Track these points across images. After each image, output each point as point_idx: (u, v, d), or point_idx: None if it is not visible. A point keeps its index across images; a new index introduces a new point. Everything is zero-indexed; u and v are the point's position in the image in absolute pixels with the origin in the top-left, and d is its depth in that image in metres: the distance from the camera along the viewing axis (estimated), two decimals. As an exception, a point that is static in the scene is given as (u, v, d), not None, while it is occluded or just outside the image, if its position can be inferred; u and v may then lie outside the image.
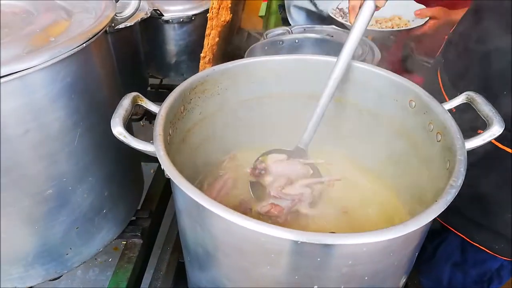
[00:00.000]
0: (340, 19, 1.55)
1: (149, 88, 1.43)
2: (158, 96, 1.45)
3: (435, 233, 1.02)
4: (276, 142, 0.91)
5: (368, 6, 0.71)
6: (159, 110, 0.66)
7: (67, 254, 0.79)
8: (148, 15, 1.21)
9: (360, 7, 0.71)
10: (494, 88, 0.70)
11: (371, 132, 0.85)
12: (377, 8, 0.71)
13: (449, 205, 0.88)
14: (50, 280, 0.83)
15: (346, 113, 0.86)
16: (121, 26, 1.14)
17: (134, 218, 0.95)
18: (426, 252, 1.05)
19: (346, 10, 1.76)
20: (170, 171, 0.54)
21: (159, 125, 0.62)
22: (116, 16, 0.77)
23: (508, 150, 0.75)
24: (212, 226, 0.55)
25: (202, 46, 0.94)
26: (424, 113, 0.71)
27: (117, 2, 0.80)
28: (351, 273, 0.53)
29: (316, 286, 0.54)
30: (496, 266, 0.95)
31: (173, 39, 1.37)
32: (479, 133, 0.63)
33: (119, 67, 1.23)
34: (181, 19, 1.31)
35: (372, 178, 0.86)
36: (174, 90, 0.71)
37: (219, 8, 0.83)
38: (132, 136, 0.61)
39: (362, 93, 0.82)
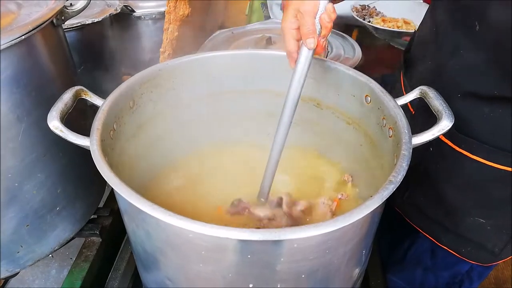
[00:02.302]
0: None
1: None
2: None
3: (405, 235, 1.00)
4: (235, 137, 0.90)
5: (306, 50, 0.64)
6: (102, 104, 0.65)
7: (18, 252, 0.77)
8: (118, 11, 1.20)
9: (298, 52, 0.66)
10: (446, 90, 0.68)
11: (334, 128, 0.83)
12: (317, 49, 0.65)
13: (418, 207, 0.87)
14: (4, 278, 0.82)
15: (308, 110, 0.84)
16: (89, 21, 1.15)
17: (95, 216, 0.93)
18: (397, 253, 1.03)
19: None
20: (99, 165, 0.53)
21: (98, 120, 0.61)
22: (66, 9, 0.75)
23: (467, 154, 0.73)
24: (145, 223, 0.53)
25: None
26: (378, 108, 0.69)
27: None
28: (286, 271, 0.51)
29: (251, 285, 0.52)
30: (466, 269, 0.93)
31: (147, 36, 1.35)
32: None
33: (89, 64, 1.23)
34: (154, 15, 1.28)
35: (335, 173, 0.85)
36: (121, 84, 0.70)
37: (176, 2, 0.81)
38: (69, 130, 0.59)
39: (322, 89, 0.80)
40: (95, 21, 1.13)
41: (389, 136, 0.65)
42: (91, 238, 0.90)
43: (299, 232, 0.44)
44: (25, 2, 0.77)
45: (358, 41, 1.85)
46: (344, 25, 1.76)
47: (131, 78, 0.71)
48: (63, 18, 0.75)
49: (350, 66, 1.39)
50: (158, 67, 0.75)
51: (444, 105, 0.62)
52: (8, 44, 0.61)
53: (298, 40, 0.66)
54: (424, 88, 0.66)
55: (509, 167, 0.72)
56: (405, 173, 0.53)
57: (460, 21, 0.72)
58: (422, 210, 0.87)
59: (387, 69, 1.78)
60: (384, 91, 0.68)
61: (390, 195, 0.51)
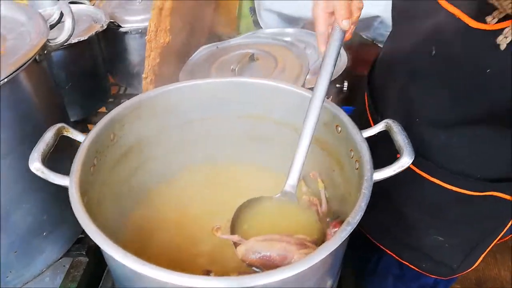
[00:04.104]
0: None
1: (111, 98, 1.44)
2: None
3: (374, 249, 1.04)
4: (220, 160, 0.93)
5: (339, 32, 0.68)
6: (82, 142, 0.67)
7: (7, 277, 0.81)
8: (104, 28, 1.22)
9: (330, 35, 0.69)
10: (406, 115, 0.71)
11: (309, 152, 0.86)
12: (346, 35, 0.69)
13: (381, 224, 0.91)
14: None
15: (282, 133, 0.87)
16: (75, 41, 1.17)
17: (82, 236, 0.97)
18: (370, 263, 1.08)
19: None
20: (77, 212, 0.56)
21: (78, 160, 0.64)
22: (49, 42, 0.78)
23: (426, 176, 0.76)
24: (115, 269, 0.57)
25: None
26: (347, 139, 0.72)
27: (51, 29, 0.80)
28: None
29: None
30: (431, 282, 0.97)
31: (134, 49, 1.37)
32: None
33: (78, 80, 1.26)
34: (140, 30, 1.31)
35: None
36: (102, 118, 0.73)
37: (156, 31, 0.84)
38: (51, 171, 0.62)
39: (297, 114, 0.83)
40: (81, 39, 1.15)
41: (356, 168, 0.68)
42: (78, 258, 0.93)
43: (258, 279, 0.47)
44: (9, 33, 0.80)
45: (346, 42, 1.87)
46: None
47: (112, 112, 0.74)
48: (45, 52, 0.77)
49: (336, 73, 1.43)
50: (139, 98, 0.78)
51: (406, 141, 0.65)
52: (-9, 88, 0.64)
53: (329, 25, 0.70)
54: (389, 122, 0.69)
55: (464, 189, 0.75)
56: (363, 213, 0.57)
57: (417, 46, 0.74)
58: (385, 229, 0.91)
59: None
60: (353, 123, 0.71)
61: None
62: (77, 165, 0.63)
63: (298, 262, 0.49)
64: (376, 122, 0.71)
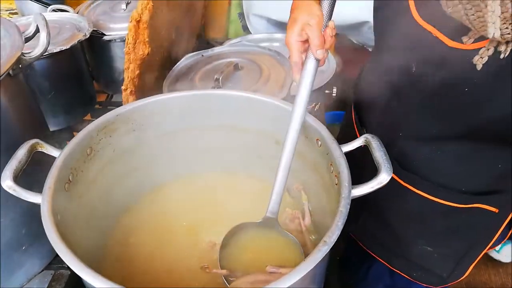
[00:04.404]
0: None
1: (97, 106, 1.42)
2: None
3: (365, 257, 1.03)
4: (202, 171, 0.92)
5: (313, 61, 0.69)
6: (56, 159, 0.66)
7: (-14, 291, 0.80)
8: (87, 36, 1.20)
9: (304, 63, 0.70)
10: (390, 129, 0.71)
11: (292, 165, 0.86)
12: (320, 63, 0.70)
13: (371, 233, 0.91)
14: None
15: (264, 144, 0.87)
16: (57, 50, 1.15)
17: (64, 248, 0.95)
18: (359, 273, 1.07)
19: None
20: (48, 232, 0.55)
21: (51, 178, 0.63)
22: (24, 56, 0.77)
23: (410, 188, 0.76)
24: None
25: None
26: (327, 153, 0.71)
27: (27, 41, 0.79)
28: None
29: None
30: (423, 288, 0.97)
31: (119, 57, 1.35)
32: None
33: (62, 88, 1.24)
34: (124, 38, 1.29)
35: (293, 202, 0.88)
36: (77, 135, 0.72)
37: (135, 43, 0.83)
38: (23, 189, 0.61)
39: (279, 127, 0.83)
40: (63, 49, 1.14)
41: (335, 184, 0.68)
42: (59, 271, 0.92)
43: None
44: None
45: (336, 46, 1.87)
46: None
47: (86, 128, 0.73)
48: (20, 66, 0.76)
49: (325, 79, 1.42)
50: (116, 112, 0.77)
51: (384, 158, 0.64)
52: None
53: (302, 53, 0.71)
54: (368, 137, 0.68)
55: (448, 201, 0.75)
56: (340, 232, 0.56)
57: (398, 63, 0.74)
58: (375, 236, 0.91)
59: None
60: (333, 138, 0.71)
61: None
62: (49, 183, 0.62)
63: (273, 284, 0.49)
64: (361, 134, 0.71)
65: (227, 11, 1.95)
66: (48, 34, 0.78)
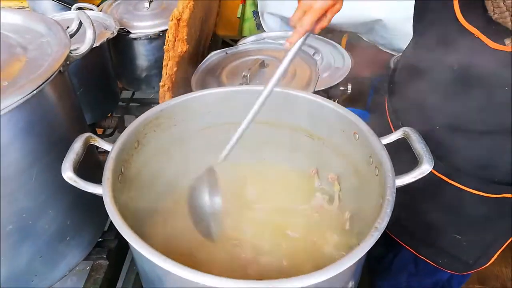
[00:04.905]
0: None
1: (120, 102, 1.45)
2: (129, 110, 1.47)
3: (391, 246, 1.07)
4: (237, 162, 0.95)
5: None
6: (110, 151, 0.69)
7: (32, 281, 0.83)
8: (115, 34, 1.23)
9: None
10: (427, 121, 0.74)
11: (326, 158, 0.89)
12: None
13: (400, 223, 0.94)
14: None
15: (301, 141, 0.90)
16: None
17: (100, 239, 0.99)
18: (384, 261, 1.11)
19: None
20: (113, 217, 0.58)
21: (108, 169, 0.66)
22: (71, 53, 0.79)
23: (446, 179, 0.79)
24: (157, 270, 0.59)
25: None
26: (366, 146, 0.74)
27: (71, 37, 0.82)
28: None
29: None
30: (446, 277, 1.01)
31: (143, 55, 1.39)
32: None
33: (89, 85, 1.27)
34: (149, 36, 1.32)
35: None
36: (126, 128, 0.74)
37: (175, 41, 0.86)
38: (83, 180, 0.64)
39: (313, 121, 0.86)
40: (94, 47, 1.16)
41: (376, 175, 0.71)
42: (98, 261, 0.95)
43: (297, 281, 0.50)
44: (29, 44, 0.81)
45: (348, 45, 1.90)
46: (333, 31, 1.82)
47: (135, 121, 0.76)
48: (68, 63, 0.79)
49: (340, 76, 1.45)
50: (160, 107, 0.80)
51: (425, 149, 0.67)
52: (21, 101, 0.65)
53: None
54: (407, 130, 0.71)
55: (481, 191, 0.79)
56: (389, 218, 0.59)
57: (439, 59, 0.77)
58: (404, 225, 0.95)
59: (376, 72, 1.84)
60: (371, 131, 0.74)
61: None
62: (107, 174, 0.65)
63: (329, 267, 0.52)
64: (397, 127, 0.74)
65: (240, 9, 1.98)
66: (94, 31, 0.81)
